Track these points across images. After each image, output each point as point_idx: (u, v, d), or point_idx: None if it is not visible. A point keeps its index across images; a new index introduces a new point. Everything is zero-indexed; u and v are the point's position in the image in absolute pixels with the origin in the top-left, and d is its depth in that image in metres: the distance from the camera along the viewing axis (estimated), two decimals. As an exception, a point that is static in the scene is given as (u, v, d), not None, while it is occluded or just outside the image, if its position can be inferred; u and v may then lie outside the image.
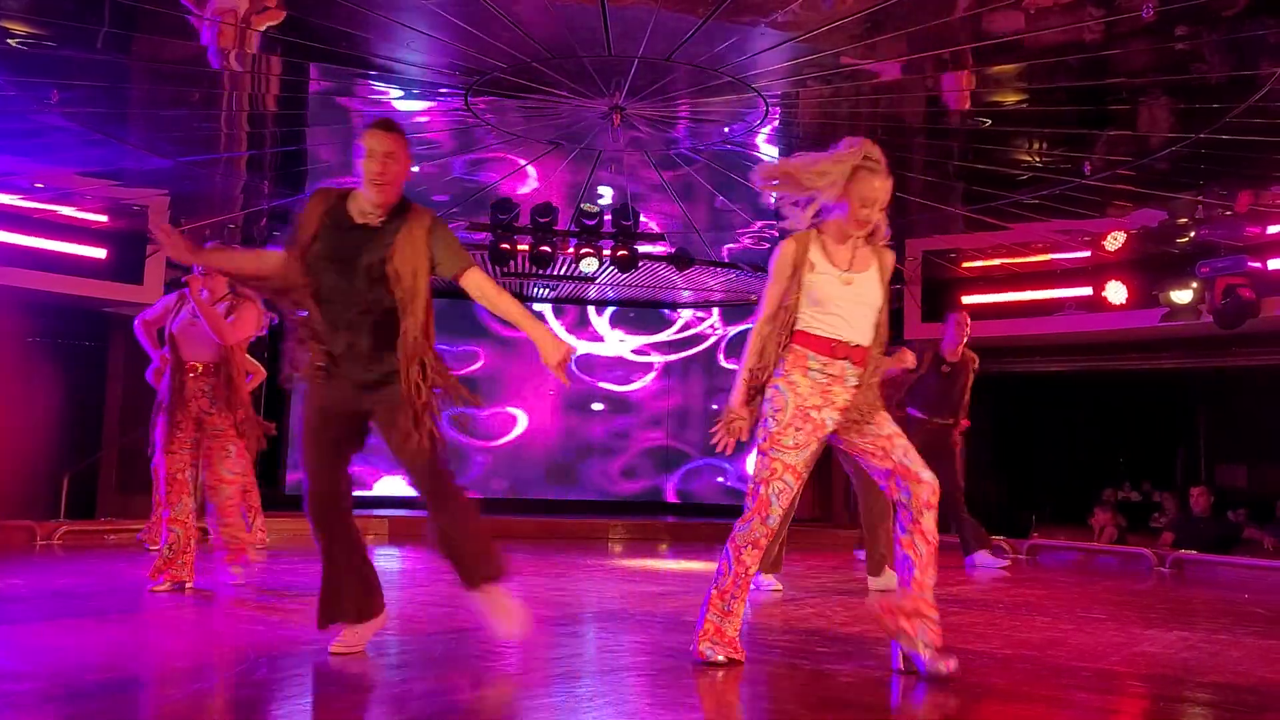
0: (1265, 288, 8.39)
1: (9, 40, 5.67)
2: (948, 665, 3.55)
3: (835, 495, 11.28)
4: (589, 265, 8.98)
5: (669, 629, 4.60)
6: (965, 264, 10.21)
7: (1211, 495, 9.80)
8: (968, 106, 6.61)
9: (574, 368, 12.37)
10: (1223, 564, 8.10)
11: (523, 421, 12.47)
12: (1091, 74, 5.94)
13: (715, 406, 12.43)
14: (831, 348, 3.67)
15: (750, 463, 3.80)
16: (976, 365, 7.55)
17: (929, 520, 3.59)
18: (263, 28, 5.63)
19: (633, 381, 12.78)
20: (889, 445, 3.66)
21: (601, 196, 9.08)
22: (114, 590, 5.54)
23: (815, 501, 11.41)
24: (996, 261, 10.09)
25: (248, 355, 5.94)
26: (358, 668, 3.65)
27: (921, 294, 10.04)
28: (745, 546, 3.68)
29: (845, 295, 3.67)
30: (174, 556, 5.39)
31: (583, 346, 12.52)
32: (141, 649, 4.12)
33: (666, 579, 6.77)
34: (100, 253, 8.99)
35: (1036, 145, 7.22)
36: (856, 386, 3.68)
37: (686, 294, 12.09)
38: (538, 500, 12.09)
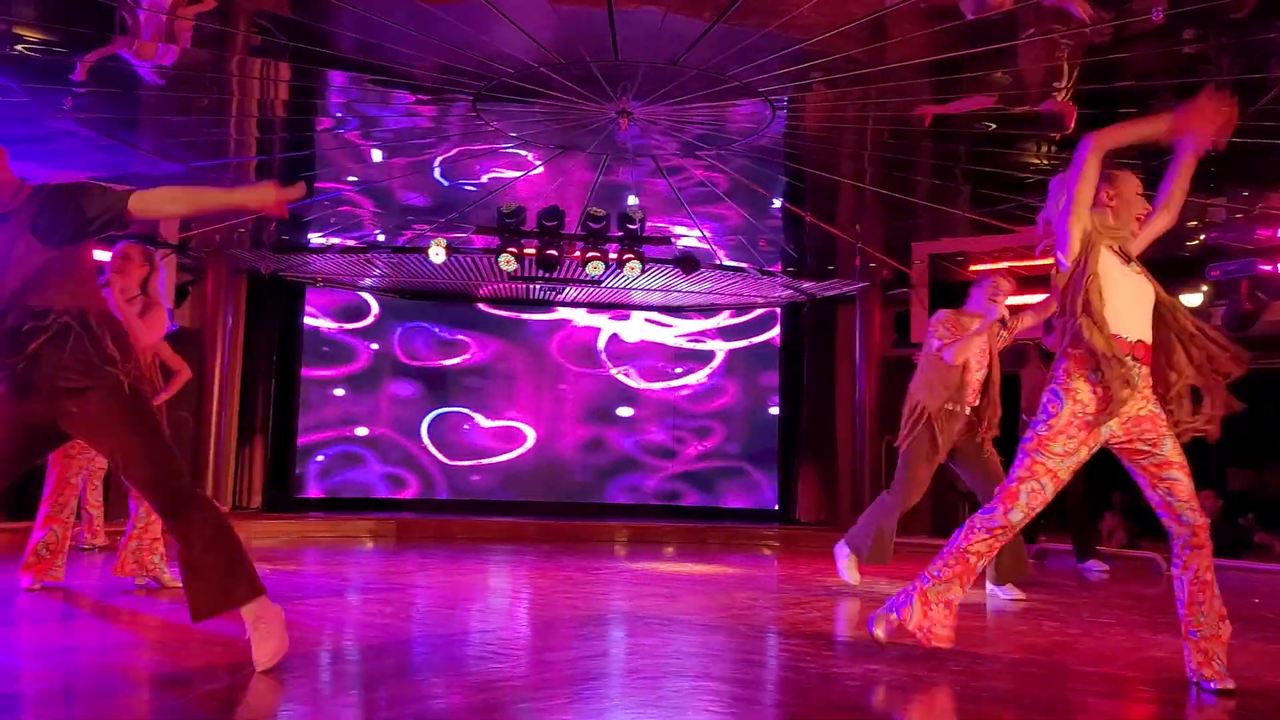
0: (1276, 291, 8.36)
1: (16, 46, 5.71)
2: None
3: (840, 498, 11.27)
4: (595, 269, 8.98)
5: (682, 631, 4.61)
6: (973, 267, 10.19)
7: (1221, 499, 9.76)
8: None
9: (605, 357, 12.32)
10: (1232, 568, 8.07)
11: (531, 437, 12.28)
12: (1100, 77, 5.93)
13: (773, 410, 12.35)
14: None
15: None
16: None
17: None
18: (191, 16, 5.53)
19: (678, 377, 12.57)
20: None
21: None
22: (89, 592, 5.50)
23: (820, 504, 11.41)
24: (1004, 264, 10.06)
25: (174, 353, 5.82)
26: (357, 669, 3.67)
27: (929, 297, 10.02)
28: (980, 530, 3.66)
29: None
30: (51, 556, 5.37)
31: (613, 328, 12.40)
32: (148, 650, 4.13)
33: (678, 581, 6.77)
34: (106, 256, 9.00)
35: (1044, 148, 7.21)
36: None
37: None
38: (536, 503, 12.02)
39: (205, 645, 3.86)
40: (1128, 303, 3.59)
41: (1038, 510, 3.64)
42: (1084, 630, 4.92)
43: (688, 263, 9.53)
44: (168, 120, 7.09)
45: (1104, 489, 11.93)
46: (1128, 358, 3.51)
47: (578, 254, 8.83)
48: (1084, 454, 3.59)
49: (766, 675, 3.72)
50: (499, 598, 6.01)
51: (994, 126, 6.78)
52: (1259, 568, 8.00)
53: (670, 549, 9.60)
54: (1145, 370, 3.59)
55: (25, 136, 7.06)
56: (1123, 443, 3.61)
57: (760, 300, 11.98)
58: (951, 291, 10.21)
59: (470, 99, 6.64)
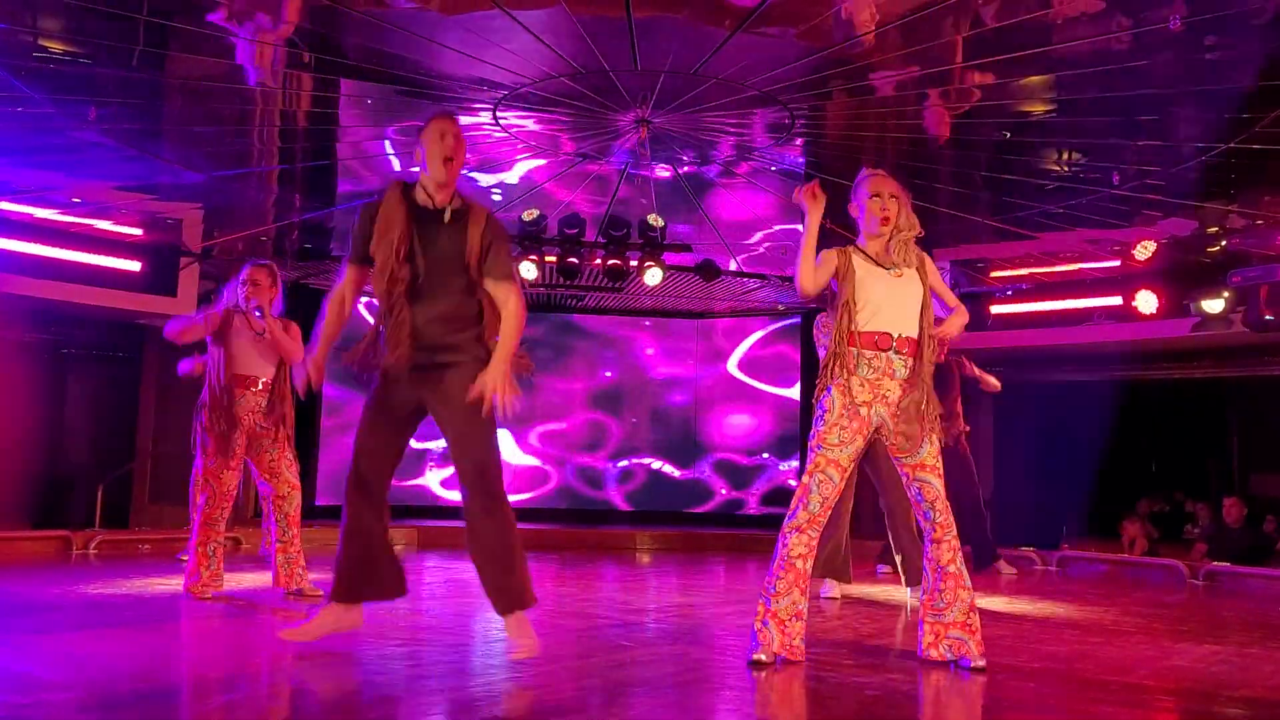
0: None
1: (35, 56, 5.77)
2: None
3: (863, 504, 11.22)
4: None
5: (693, 641, 4.62)
6: (994, 273, 10.17)
7: (1244, 506, 9.69)
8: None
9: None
10: (1255, 576, 8.01)
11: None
12: (1120, 84, 5.91)
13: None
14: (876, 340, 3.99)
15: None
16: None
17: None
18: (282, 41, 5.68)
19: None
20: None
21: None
22: (147, 600, 5.62)
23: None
24: (1025, 271, 10.05)
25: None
26: (386, 677, 3.69)
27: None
28: (790, 532, 3.97)
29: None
30: (216, 566, 5.55)
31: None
32: (175, 658, 4.18)
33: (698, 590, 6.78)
34: (135, 265, 9.12)
35: (1065, 155, 7.19)
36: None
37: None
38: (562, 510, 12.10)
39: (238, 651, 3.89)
40: (887, 301, 4.02)
41: (833, 500, 3.96)
42: (1105, 639, 4.90)
43: (708, 270, 9.55)
44: (192, 130, 7.15)
45: (1118, 497, 11.90)
46: (869, 352, 3.97)
47: (598, 262, 8.86)
48: (860, 442, 3.98)
49: (784, 684, 3.73)
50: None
51: (1008, 135, 6.76)
52: (1283, 575, 7.93)
53: (685, 554, 9.61)
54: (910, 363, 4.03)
55: (51, 146, 7.13)
56: (888, 436, 4.01)
57: (782, 307, 11.99)
58: (973, 298, 10.21)
59: (490, 107, 6.68)
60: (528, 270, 8.79)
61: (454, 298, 3.82)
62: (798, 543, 3.95)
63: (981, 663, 3.92)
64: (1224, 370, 10.34)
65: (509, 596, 3.83)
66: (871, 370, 3.98)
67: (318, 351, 3.94)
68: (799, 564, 3.94)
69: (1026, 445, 11.31)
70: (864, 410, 3.96)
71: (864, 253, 4.14)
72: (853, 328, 4.00)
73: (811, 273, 4.03)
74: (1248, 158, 6.55)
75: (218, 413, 5.57)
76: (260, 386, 5.73)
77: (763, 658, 3.91)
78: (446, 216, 3.85)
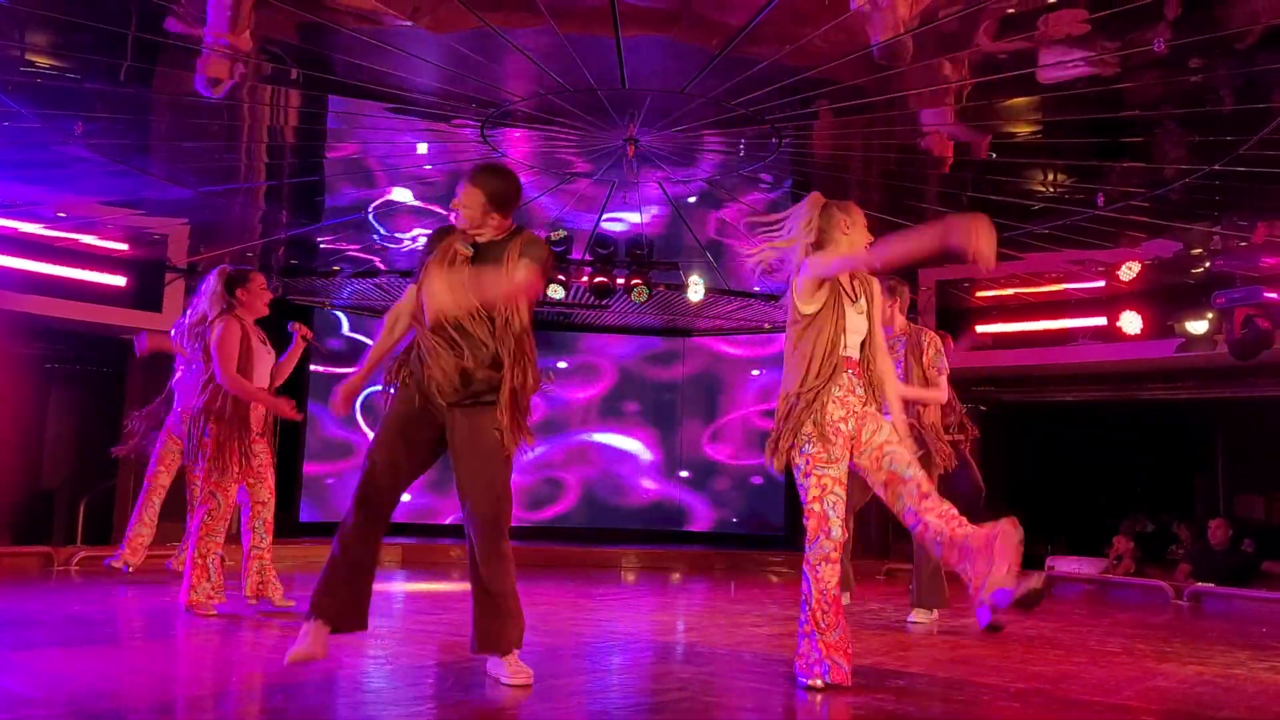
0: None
1: (22, 70, 5.77)
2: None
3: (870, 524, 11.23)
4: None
5: (686, 660, 4.60)
6: (979, 293, 10.21)
7: (1230, 528, 9.71)
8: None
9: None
10: (1240, 597, 8.03)
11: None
12: (1105, 106, 5.96)
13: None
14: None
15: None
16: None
17: None
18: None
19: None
20: None
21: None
22: (129, 616, 5.57)
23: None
24: (1010, 291, 10.10)
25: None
26: (377, 697, 3.67)
27: (935, 324, 10.04)
28: (819, 563, 3.88)
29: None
30: (217, 578, 5.55)
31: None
32: (156, 675, 4.14)
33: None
34: (120, 280, 9.09)
35: (1050, 176, 7.24)
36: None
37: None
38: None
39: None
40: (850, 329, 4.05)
41: (845, 517, 3.96)
42: (1090, 659, 4.90)
43: (692, 288, 9.59)
44: (178, 146, 7.15)
45: (1103, 517, 11.92)
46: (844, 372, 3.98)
47: (585, 279, 8.90)
48: (847, 458, 3.96)
49: (775, 702, 3.71)
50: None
51: (994, 156, 6.80)
52: (1267, 596, 7.94)
53: (676, 574, 9.58)
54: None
55: (37, 161, 7.12)
56: (865, 452, 3.98)
57: (768, 325, 12.01)
58: (959, 317, 10.25)
59: (478, 124, 6.69)
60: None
61: (491, 341, 3.83)
62: (831, 574, 3.88)
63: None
64: (1208, 391, 10.38)
65: (488, 639, 3.85)
66: (839, 389, 3.97)
67: (362, 374, 4.02)
68: (830, 593, 3.87)
69: (1010, 466, 11.32)
70: (842, 426, 3.95)
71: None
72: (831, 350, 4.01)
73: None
74: (1231, 180, 6.61)
75: (233, 426, 5.56)
76: None
77: (819, 683, 3.83)
78: (490, 254, 3.89)
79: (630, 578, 9.12)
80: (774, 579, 9.38)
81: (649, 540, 11.70)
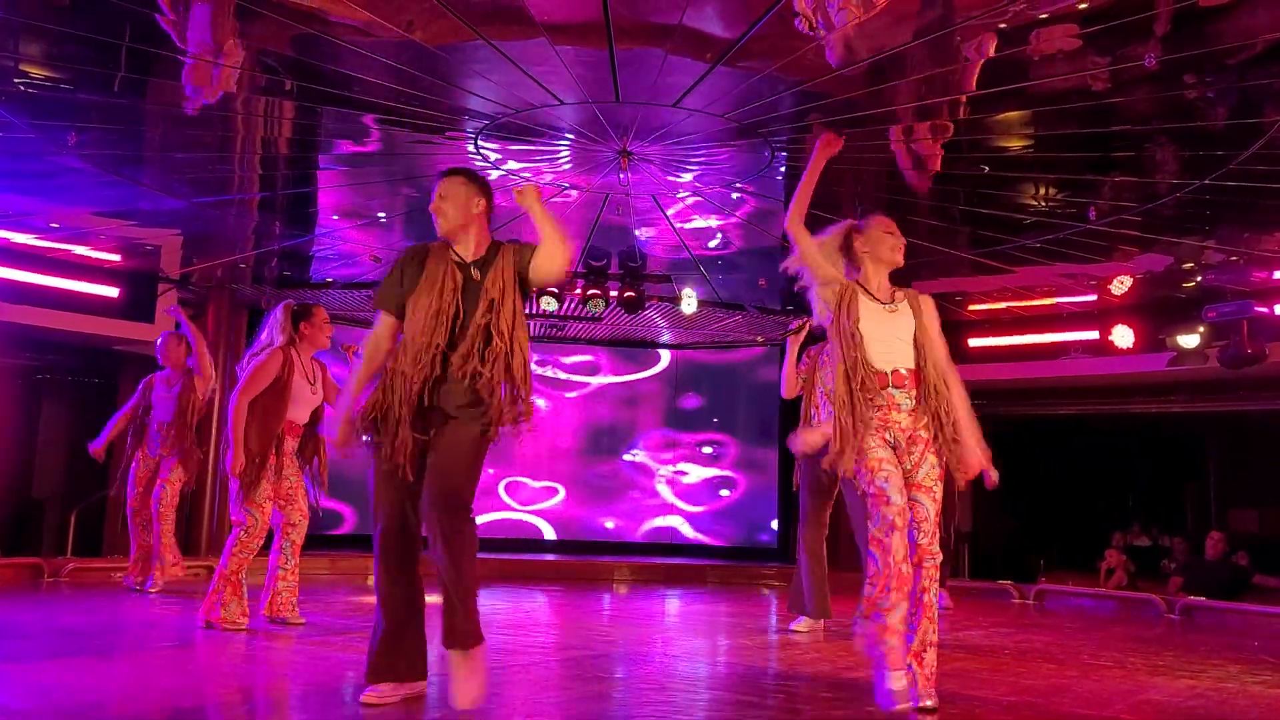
0: (1272, 332, 8.41)
1: (16, 81, 5.76)
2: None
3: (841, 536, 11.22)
4: (595, 306, 9.06)
5: (669, 668, 4.59)
6: (971, 307, 10.23)
7: (1226, 543, 9.72)
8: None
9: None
10: (1232, 610, 8.03)
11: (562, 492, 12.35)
12: (1097, 120, 5.98)
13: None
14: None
15: None
16: None
17: None
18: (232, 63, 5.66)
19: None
20: None
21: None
22: (120, 628, 5.55)
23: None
24: (1002, 305, 10.12)
25: None
26: (377, 714, 3.65)
27: (928, 337, 10.09)
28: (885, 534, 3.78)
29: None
30: (244, 596, 5.59)
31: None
32: (148, 688, 4.12)
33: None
34: (113, 291, 9.08)
35: (1042, 190, 7.25)
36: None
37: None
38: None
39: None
40: (884, 336, 3.97)
41: (903, 487, 3.86)
42: (1082, 673, 4.90)
43: (685, 300, 9.62)
44: (172, 156, 7.14)
45: (1096, 530, 11.94)
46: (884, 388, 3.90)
47: (578, 292, 8.91)
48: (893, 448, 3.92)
49: (760, 716, 3.70)
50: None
51: (986, 169, 6.82)
52: (1259, 610, 7.94)
53: (668, 587, 9.56)
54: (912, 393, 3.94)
55: (30, 172, 7.10)
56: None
57: (760, 339, 12.02)
58: (951, 331, 10.28)
59: (471, 137, 6.70)
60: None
61: (477, 355, 3.64)
62: (899, 543, 3.73)
63: (930, 703, 3.68)
64: (1200, 405, 10.42)
65: (453, 633, 3.60)
66: (875, 408, 3.89)
67: (350, 409, 3.74)
68: (904, 568, 3.73)
69: (1003, 479, 11.33)
70: (885, 435, 3.89)
71: (864, 288, 4.08)
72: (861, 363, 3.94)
73: (801, 223, 4.03)
74: (1223, 194, 6.63)
75: (263, 444, 5.58)
76: (299, 432, 5.86)
77: (902, 685, 3.71)
78: (474, 272, 3.73)
79: (622, 590, 9.10)
80: (765, 591, 9.38)
81: (642, 553, 11.70)
